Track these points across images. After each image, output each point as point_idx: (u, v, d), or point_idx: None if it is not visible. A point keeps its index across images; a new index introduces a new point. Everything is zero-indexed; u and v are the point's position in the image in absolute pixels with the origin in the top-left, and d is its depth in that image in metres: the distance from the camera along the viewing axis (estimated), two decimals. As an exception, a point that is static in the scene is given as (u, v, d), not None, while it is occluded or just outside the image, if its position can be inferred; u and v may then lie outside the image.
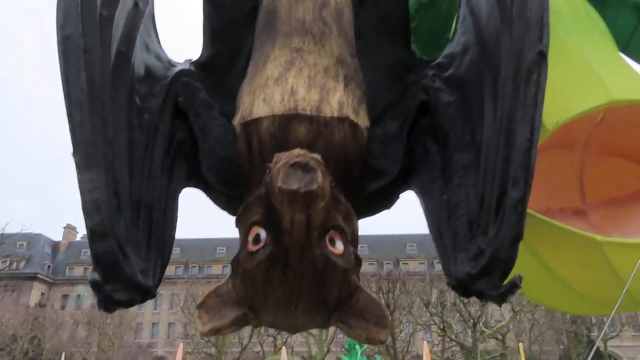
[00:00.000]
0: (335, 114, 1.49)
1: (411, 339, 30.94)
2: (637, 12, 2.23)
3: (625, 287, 1.71)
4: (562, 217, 1.95)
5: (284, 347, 16.34)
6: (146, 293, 1.40)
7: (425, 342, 12.92)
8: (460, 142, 1.52)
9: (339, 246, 1.29)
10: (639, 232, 1.83)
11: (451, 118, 1.55)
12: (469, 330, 28.51)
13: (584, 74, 1.84)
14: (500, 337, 28.82)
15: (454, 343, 29.36)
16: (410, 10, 1.86)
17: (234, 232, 1.45)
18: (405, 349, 30.02)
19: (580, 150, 2.12)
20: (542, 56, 1.40)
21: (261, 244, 1.27)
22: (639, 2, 2.23)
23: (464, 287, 1.37)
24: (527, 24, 1.41)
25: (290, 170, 1.16)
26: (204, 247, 44.24)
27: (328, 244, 1.27)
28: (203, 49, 1.79)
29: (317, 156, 1.21)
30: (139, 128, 1.54)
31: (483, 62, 1.51)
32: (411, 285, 30.95)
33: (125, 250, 1.37)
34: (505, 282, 1.33)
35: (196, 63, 1.75)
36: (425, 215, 1.57)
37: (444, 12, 2.51)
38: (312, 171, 1.16)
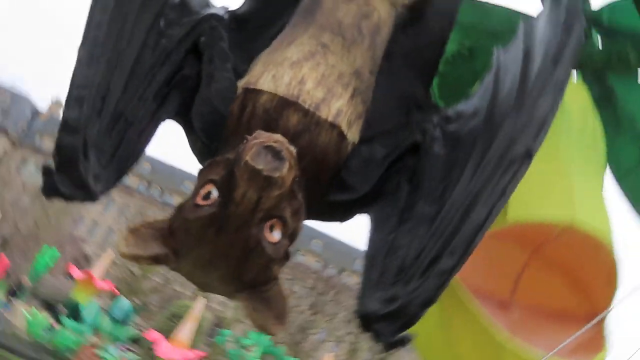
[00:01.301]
0: (330, 119, 1.54)
1: (320, 345, 31.34)
2: None
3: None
4: (486, 302, 2.04)
5: (203, 299, 16.28)
6: (88, 196, 1.45)
7: (331, 354, 13.08)
8: (430, 195, 1.58)
9: (276, 235, 1.35)
10: (543, 346, 1.93)
11: (433, 169, 1.61)
12: (375, 363, 28.97)
13: (562, 183, 1.92)
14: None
15: (356, 368, 29.81)
16: (446, 53, 1.90)
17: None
18: (311, 350, 30.41)
19: (529, 253, 2.21)
20: (528, 156, 1.46)
21: (209, 202, 1.32)
22: None
23: (365, 321, 1.45)
24: (531, 118, 1.48)
25: (262, 150, 1.22)
26: (174, 176, 44.04)
27: (267, 229, 1.33)
28: (244, 2, 1.82)
29: (292, 149, 1.27)
30: (152, 49, 1.58)
31: (482, 133, 1.57)
32: (343, 298, 31.29)
33: (88, 152, 1.42)
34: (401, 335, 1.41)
35: (231, 13, 1.77)
36: (368, 241, 1.64)
37: (476, 69, 2.56)
38: (282, 160, 1.22)
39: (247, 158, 1.20)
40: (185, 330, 12.00)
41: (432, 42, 1.83)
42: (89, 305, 11.01)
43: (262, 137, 1.26)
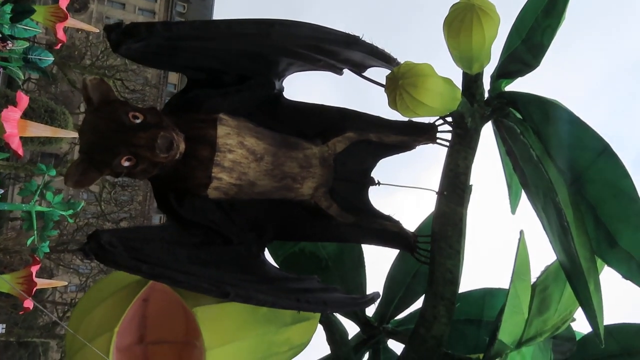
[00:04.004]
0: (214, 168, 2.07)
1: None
2: None
3: None
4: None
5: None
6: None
7: None
8: None
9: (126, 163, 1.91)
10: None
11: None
12: None
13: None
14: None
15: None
16: None
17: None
18: None
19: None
20: None
21: (135, 121, 1.83)
22: None
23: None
24: None
25: (167, 137, 1.85)
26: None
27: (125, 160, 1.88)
28: None
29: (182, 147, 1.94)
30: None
31: None
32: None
33: None
34: None
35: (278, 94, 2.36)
36: None
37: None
38: (172, 148, 1.87)
39: (159, 137, 1.82)
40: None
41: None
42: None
43: (178, 135, 1.90)
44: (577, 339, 3.01)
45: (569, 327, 2.90)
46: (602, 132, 2.16)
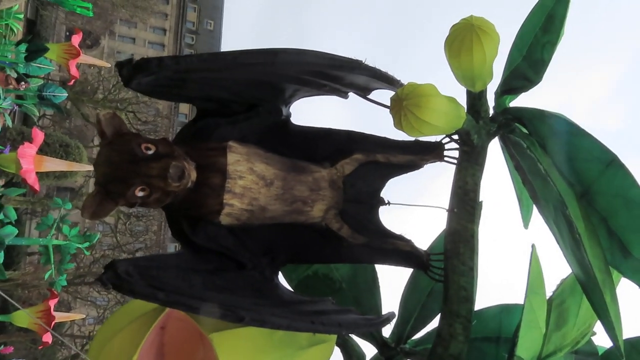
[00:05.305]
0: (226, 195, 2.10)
1: None
2: None
3: None
4: None
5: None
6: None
7: None
8: None
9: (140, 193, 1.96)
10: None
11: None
12: None
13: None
14: None
15: None
16: None
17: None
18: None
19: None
20: None
21: (148, 152, 1.88)
22: None
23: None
24: None
25: (179, 167, 1.90)
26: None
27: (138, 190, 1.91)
28: None
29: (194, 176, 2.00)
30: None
31: None
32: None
33: None
34: None
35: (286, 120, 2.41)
36: None
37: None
38: (182, 177, 1.92)
39: (171, 167, 1.87)
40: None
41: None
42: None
43: (189, 164, 1.95)
44: (600, 353, 2.96)
45: (590, 342, 2.85)
46: (622, 133, 2.16)
